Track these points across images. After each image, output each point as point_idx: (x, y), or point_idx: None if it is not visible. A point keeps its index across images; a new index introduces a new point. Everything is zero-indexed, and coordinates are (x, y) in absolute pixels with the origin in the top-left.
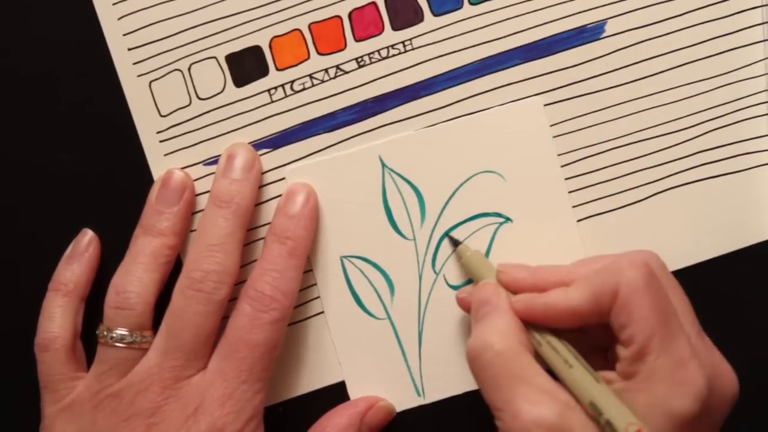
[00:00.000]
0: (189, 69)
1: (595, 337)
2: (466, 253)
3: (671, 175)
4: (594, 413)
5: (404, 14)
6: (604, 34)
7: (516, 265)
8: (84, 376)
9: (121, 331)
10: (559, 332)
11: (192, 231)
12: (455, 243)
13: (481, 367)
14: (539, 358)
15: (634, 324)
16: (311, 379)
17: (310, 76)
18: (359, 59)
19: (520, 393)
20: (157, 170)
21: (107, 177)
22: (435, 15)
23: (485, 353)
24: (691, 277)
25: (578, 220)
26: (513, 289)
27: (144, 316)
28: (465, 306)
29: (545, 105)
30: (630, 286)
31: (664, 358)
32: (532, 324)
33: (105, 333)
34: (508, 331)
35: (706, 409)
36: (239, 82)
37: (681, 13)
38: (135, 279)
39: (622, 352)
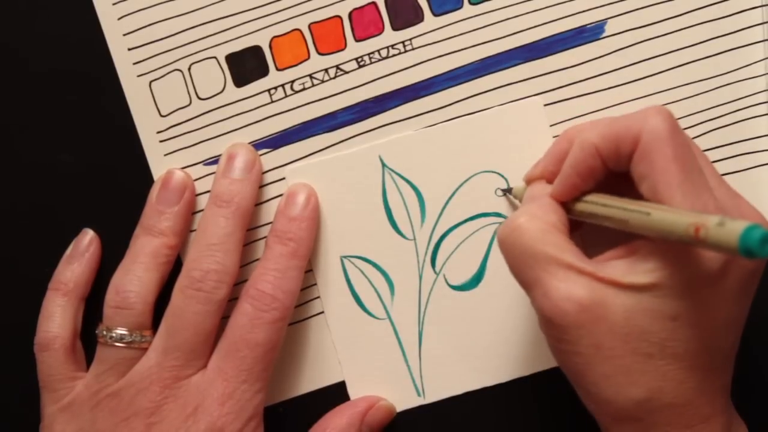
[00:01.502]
0: (189, 69)
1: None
2: (517, 189)
3: None
4: (697, 236)
5: (404, 14)
6: (604, 35)
7: (533, 165)
8: (83, 376)
9: (121, 331)
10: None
11: (192, 231)
12: (508, 191)
13: (509, 247)
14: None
15: (655, 174)
16: (311, 379)
17: (310, 76)
18: (359, 59)
19: (549, 271)
20: (157, 170)
21: (107, 177)
22: (435, 15)
23: (512, 233)
24: None
25: None
26: (550, 180)
27: (143, 315)
28: None
29: (545, 105)
30: (653, 134)
31: (688, 203)
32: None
33: (104, 332)
34: (537, 212)
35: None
36: (239, 82)
37: (681, 13)
38: (135, 278)
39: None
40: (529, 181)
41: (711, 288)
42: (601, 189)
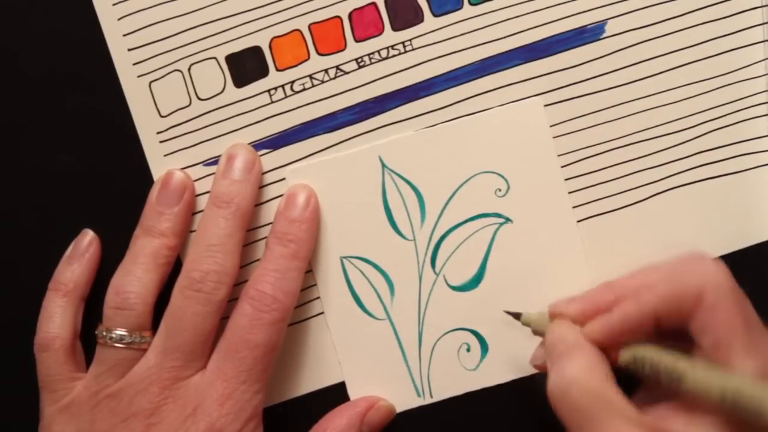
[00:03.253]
0: (189, 69)
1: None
2: (530, 317)
3: (671, 175)
4: (735, 403)
5: (404, 15)
6: (604, 35)
7: (567, 300)
8: (83, 377)
9: (121, 332)
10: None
11: (192, 231)
12: (516, 316)
13: (569, 405)
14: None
15: (719, 328)
16: (311, 380)
17: (310, 76)
18: (359, 60)
19: (613, 426)
20: (157, 171)
21: (107, 177)
22: (435, 15)
23: (572, 390)
24: None
25: (578, 221)
26: (580, 322)
27: (143, 316)
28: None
29: (545, 105)
30: (717, 291)
31: (748, 364)
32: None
33: (104, 333)
34: (590, 365)
35: None
36: (239, 82)
37: (681, 13)
38: (135, 279)
39: (702, 355)
40: (554, 315)
41: None
42: None
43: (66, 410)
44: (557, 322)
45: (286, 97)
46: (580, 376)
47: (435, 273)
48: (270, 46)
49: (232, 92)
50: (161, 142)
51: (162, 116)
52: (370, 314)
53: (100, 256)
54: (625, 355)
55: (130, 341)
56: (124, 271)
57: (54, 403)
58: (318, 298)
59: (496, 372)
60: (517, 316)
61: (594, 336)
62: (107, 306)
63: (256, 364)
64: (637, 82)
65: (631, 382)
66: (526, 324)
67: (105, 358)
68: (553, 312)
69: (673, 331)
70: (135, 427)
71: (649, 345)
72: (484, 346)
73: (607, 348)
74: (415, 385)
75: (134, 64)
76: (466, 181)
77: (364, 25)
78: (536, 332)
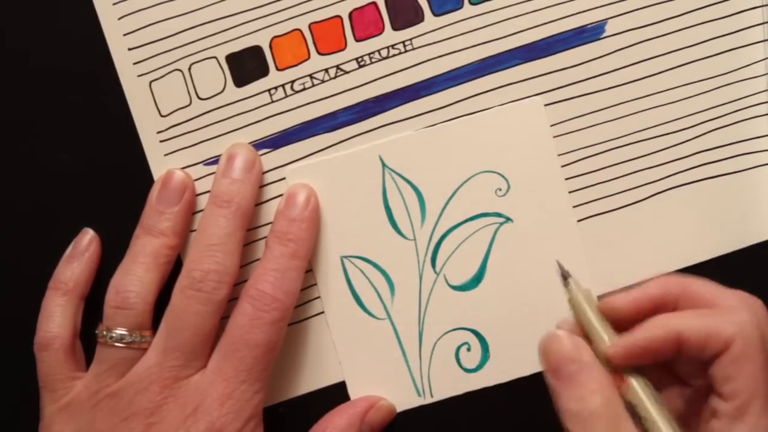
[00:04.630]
0: (189, 69)
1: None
2: (576, 293)
3: (671, 175)
4: None
5: (404, 14)
6: (604, 35)
7: (615, 297)
8: (83, 376)
9: (121, 331)
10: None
11: (193, 231)
12: (565, 276)
13: (583, 429)
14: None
15: (742, 380)
16: (311, 380)
17: (311, 76)
18: (359, 59)
19: None
20: (157, 170)
21: (107, 177)
22: (435, 15)
23: (596, 425)
24: None
25: (578, 220)
26: (613, 319)
27: (143, 315)
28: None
29: (545, 105)
30: (748, 342)
31: (763, 423)
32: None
33: (104, 333)
34: (604, 390)
35: None
36: (239, 82)
37: (681, 13)
38: (135, 279)
39: (721, 406)
40: (604, 309)
41: None
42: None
43: (66, 410)
44: (562, 337)
45: (286, 96)
46: (602, 413)
47: (435, 272)
48: (270, 46)
49: (233, 92)
50: (161, 141)
51: (162, 116)
52: (370, 314)
53: (100, 255)
54: (625, 392)
55: (131, 341)
56: (124, 271)
57: (54, 403)
58: (318, 297)
59: (497, 372)
60: (567, 274)
61: (617, 355)
62: (107, 305)
63: (256, 364)
64: (637, 82)
65: None
66: (570, 296)
67: (105, 358)
68: (600, 306)
69: (690, 365)
70: (135, 426)
71: (648, 387)
72: (484, 346)
73: (617, 368)
74: (415, 385)
75: (134, 63)
76: (467, 180)
77: (364, 24)
78: (575, 309)
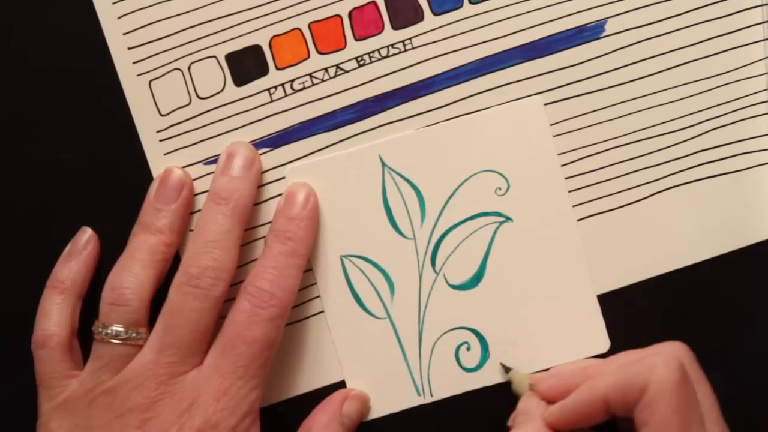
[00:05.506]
0: (189, 68)
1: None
2: (515, 377)
3: (671, 174)
4: None
5: (404, 13)
6: (604, 34)
7: (546, 374)
8: (80, 374)
9: (117, 328)
10: None
11: (190, 231)
12: (507, 369)
13: None
14: None
15: (654, 423)
16: (311, 379)
17: (310, 75)
18: (359, 58)
19: None
20: (156, 169)
21: (107, 176)
22: (435, 14)
23: None
24: (691, 277)
25: (578, 220)
26: (548, 398)
27: (139, 312)
28: None
29: (545, 104)
30: (659, 385)
31: None
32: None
33: (100, 329)
34: None
35: None
36: (239, 81)
37: (681, 12)
38: (131, 275)
39: None
40: (532, 385)
41: None
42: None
43: (63, 407)
44: (531, 394)
45: (285, 95)
46: None
47: (435, 272)
48: (270, 45)
49: (232, 91)
50: (161, 140)
51: (162, 115)
52: (370, 313)
53: (98, 254)
54: None
55: (126, 337)
56: (121, 268)
57: (51, 400)
58: (318, 296)
59: (496, 371)
60: (507, 369)
61: (552, 417)
62: (103, 302)
63: (254, 360)
64: (637, 81)
65: None
66: (509, 381)
67: (101, 354)
68: (531, 383)
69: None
70: (130, 422)
71: None
72: (484, 345)
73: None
74: (415, 384)
75: (134, 62)
76: (466, 179)
77: (364, 23)
78: (514, 392)
